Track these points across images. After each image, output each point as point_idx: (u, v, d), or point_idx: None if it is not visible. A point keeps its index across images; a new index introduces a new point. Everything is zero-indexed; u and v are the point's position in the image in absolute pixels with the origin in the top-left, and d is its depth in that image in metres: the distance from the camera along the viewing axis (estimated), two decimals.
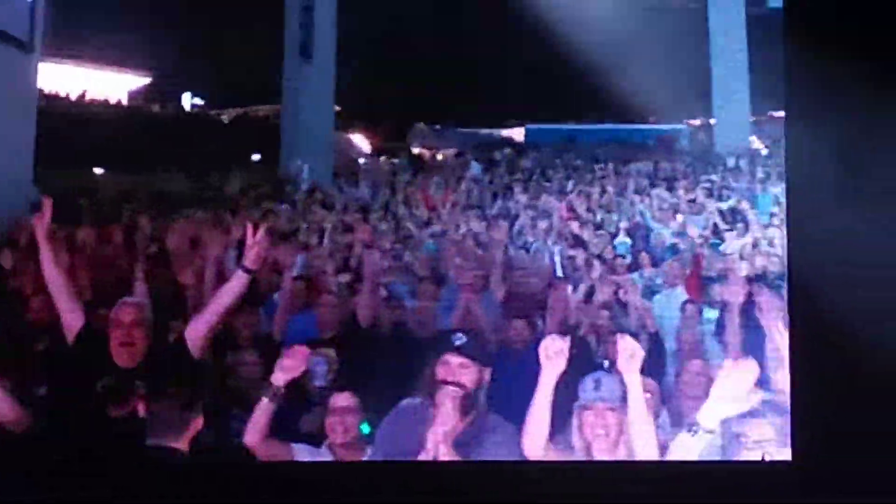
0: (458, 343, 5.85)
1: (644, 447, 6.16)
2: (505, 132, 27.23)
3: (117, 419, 6.16)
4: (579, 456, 6.18)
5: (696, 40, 24.23)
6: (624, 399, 6.04)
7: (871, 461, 6.41)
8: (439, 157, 25.05)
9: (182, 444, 5.44)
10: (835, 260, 6.24)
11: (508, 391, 6.63)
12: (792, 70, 6.49)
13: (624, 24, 22.63)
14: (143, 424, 5.48)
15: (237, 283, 6.56)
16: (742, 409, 5.78)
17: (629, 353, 5.96)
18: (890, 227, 5.97)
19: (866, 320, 6.20)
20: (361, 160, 24.68)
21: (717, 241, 14.51)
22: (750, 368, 5.70)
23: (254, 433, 6.06)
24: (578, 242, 13.90)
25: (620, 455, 6.10)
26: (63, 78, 19.72)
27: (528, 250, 13.67)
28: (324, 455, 6.41)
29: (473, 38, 22.74)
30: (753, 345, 7.73)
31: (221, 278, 8.46)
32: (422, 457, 5.66)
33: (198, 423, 5.47)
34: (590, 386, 6.04)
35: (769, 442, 6.18)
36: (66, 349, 6.91)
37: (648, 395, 6.59)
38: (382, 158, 24.59)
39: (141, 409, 5.67)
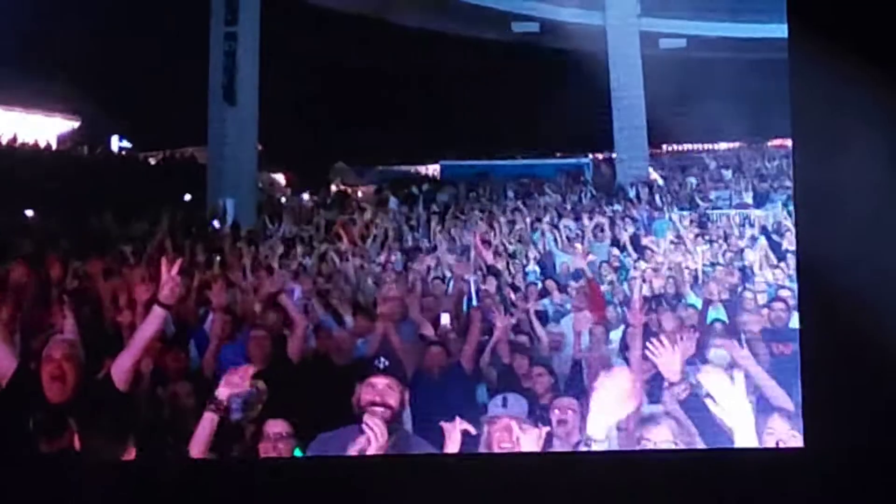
0: (381, 366, 5.86)
1: None
2: (422, 168, 27.37)
3: (51, 455, 6.11)
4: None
5: (598, 80, 24.38)
6: (527, 414, 6.29)
7: (879, 446, 6.52)
8: (360, 193, 25.05)
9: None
10: (841, 256, 6.43)
11: (425, 413, 7.01)
12: (795, 91, 6.64)
13: (531, 67, 22.93)
14: (76, 457, 5.33)
15: (155, 317, 6.57)
16: (620, 415, 5.75)
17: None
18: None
19: (872, 313, 6.36)
20: (283, 198, 24.66)
21: (624, 268, 14.71)
22: (622, 376, 5.65)
23: (199, 445, 6.07)
24: (492, 272, 13.81)
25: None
26: None
27: (443, 280, 13.63)
28: None
29: (390, 81, 22.82)
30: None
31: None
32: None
33: (130, 454, 5.37)
34: (498, 402, 6.27)
35: (667, 443, 6.28)
36: None
37: (571, 412, 7.04)
38: (305, 196, 24.62)
39: (76, 443, 5.50)
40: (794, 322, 9.83)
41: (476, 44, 25.37)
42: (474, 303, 12.27)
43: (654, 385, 7.69)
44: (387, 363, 5.93)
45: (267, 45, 21.80)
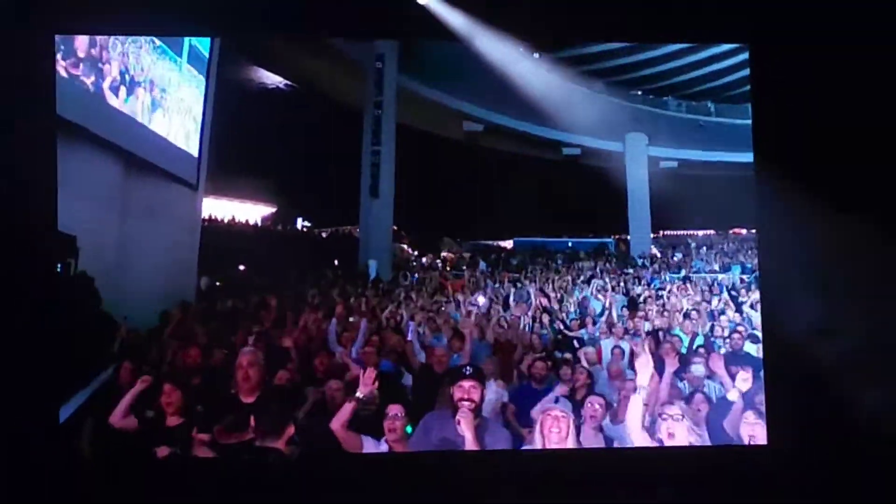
0: (468, 372, 6.01)
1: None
2: (501, 242, 27.34)
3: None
4: (536, 446, 6.27)
5: (618, 187, 24.65)
6: (572, 411, 6.36)
7: (832, 442, 6.24)
8: (459, 258, 24.98)
9: (280, 444, 5.21)
10: (793, 305, 6.40)
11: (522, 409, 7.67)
12: (761, 189, 6.65)
13: (575, 177, 23.21)
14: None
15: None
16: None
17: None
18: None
19: (820, 340, 6.26)
20: (409, 261, 24.59)
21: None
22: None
23: (338, 422, 6.36)
24: (546, 311, 13.56)
25: (568, 446, 6.20)
26: (218, 208, 19.57)
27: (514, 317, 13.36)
28: (382, 445, 6.63)
29: (480, 185, 22.81)
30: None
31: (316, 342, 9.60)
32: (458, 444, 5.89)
33: (290, 430, 5.25)
34: (551, 400, 6.75)
35: (677, 415, 6.51)
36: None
37: (599, 405, 7.06)
38: (423, 259, 24.62)
39: (252, 422, 5.37)
40: (747, 347, 10.37)
41: (537, 160, 25.43)
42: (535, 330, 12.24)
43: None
44: (471, 371, 6.05)
45: (400, 158, 21.87)
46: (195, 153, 13.52)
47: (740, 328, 11.36)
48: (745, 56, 24.92)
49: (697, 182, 23.87)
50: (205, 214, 16.71)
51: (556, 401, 6.52)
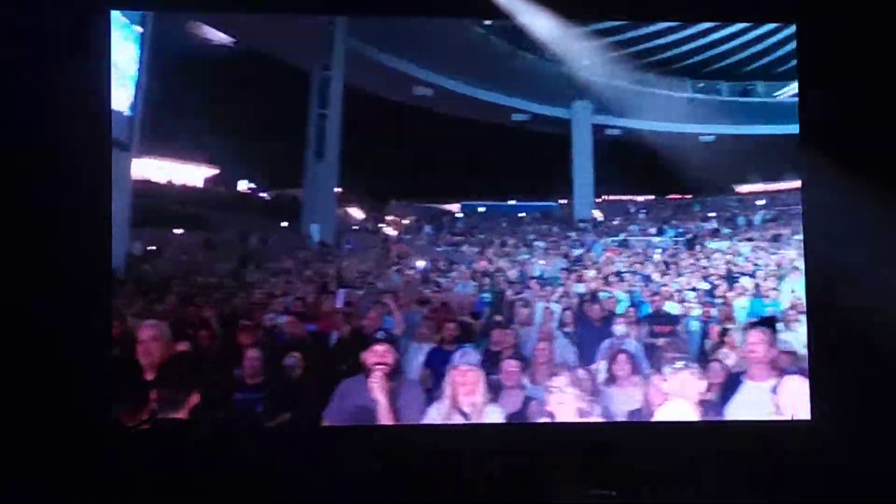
0: (380, 337, 5.95)
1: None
2: (447, 206, 27.08)
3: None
4: (446, 403, 6.01)
5: (563, 154, 24.78)
6: (480, 364, 6.13)
7: (875, 419, 6.10)
8: (405, 222, 24.65)
9: (181, 414, 4.94)
10: (844, 268, 6.34)
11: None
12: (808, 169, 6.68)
13: (523, 142, 23.55)
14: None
15: None
16: None
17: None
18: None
19: (866, 314, 6.11)
20: (354, 225, 24.16)
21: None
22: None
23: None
24: (487, 275, 13.67)
25: (477, 401, 5.99)
26: (152, 169, 18.69)
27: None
28: None
29: (426, 148, 22.20)
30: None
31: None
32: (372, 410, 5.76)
33: (192, 400, 4.97)
34: (458, 355, 6.15)
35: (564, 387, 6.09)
36: None
37: (516, 368, 7.10)
38: (368, 224, 24.23)
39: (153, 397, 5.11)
40: (668, 307, 10.60)
41: (485, 125, 24.94)
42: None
43: None
44: (383, 335, 6.00)
45: (346, 121, 21.37)
46: (125, 111, 12.70)
47: (663, 289, 11.89)
48: (711, 38, 25.54)
49: (640, 150, 23.76)
50: (139, 176, 15.88)
51: (463, 354, 6.17)
